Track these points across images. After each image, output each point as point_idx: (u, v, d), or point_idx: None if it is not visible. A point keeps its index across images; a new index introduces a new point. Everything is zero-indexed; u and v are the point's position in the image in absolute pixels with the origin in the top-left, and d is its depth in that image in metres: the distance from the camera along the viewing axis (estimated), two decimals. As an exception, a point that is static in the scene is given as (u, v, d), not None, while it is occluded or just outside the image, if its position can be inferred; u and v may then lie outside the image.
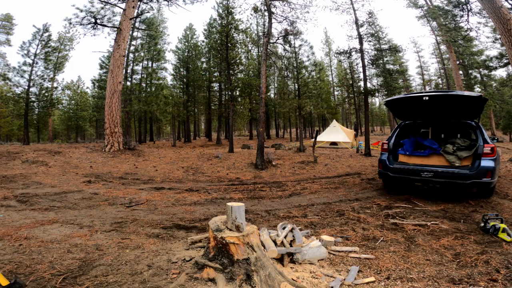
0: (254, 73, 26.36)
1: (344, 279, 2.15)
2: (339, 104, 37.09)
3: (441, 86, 36.17)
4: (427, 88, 37.19)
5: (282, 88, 30.27)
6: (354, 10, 13.82)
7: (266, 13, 13.26)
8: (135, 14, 14.32)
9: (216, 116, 27.43)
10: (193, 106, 29.81)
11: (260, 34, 29.72)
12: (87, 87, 42.16)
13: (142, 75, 25.63)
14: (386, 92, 23.77)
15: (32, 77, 22.29)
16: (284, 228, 2.75)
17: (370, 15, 14.52)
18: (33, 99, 22.93)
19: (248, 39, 20.92)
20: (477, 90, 24.74)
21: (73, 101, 33.89)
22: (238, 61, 21.70)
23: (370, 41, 16.41)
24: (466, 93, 4.27)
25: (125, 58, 18.17)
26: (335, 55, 16.64)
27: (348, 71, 29.74)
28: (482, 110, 4.75)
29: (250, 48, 25.24)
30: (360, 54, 13.90)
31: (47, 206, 4.50)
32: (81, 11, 13.58)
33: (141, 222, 3.69)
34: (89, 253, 2.59)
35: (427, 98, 4.54)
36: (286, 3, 11.47)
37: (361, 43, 13.68)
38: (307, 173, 8.39)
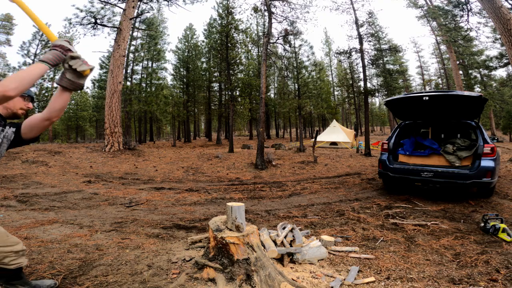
0: (254, 73, 26.37)
1: (344, 279, 2.15)
2: (339, 104, 37.08)
3: (441, 86, 36.18)
4: (427, 88, 37.20)
5: (282, 88, 30.32)
6: (354, 10, 13.83)
7: (266, 13, 13.26)
8: (135, 14, 14.32)
9: (216, 116, 27.44)
10: (193, 106, 29.82)
11: (260, 34, 29.73)
12: (87, 87, 42.11)
13: (142, 75, 25.65)
14: (386, 92, 23.79)
15: (32, 77, 22.28)
16: (284, 228, 2.75)
17: (370, 15, 14.53)
18: (33, 99, 22.95)
19: (248, 39, 20.91)
20: (477, 90, 24.74)
21: (73, 101, 33.89)
22: (238, 61, 21.72)
23: (370, 41, 16.42)
24: (466, 93, 4.27)
25: (125, 58, 18.16)
26: (335, 55, 16.64)
27: (348, 71, 29.76)
28: (482, 110, 4.75)
29: (250, 48, 25.24)
30: (360, 54, 13.90)
31: (47, 206, 4.50)
32: (81, 11, 13.59)
33: (141, 222, 3.69)
34: (89, 253, 2.59)
35: (427, 98, 4.54)
36: (286, 3, 11.48)
37: (361, 43, 13.69)
38: (307, 173, 8.39)
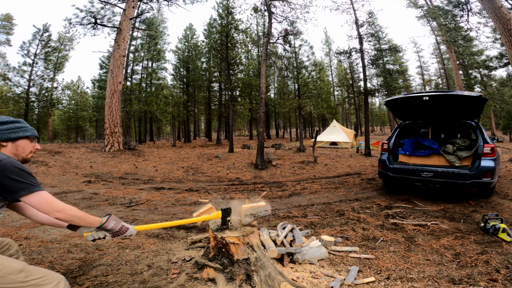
0: (254, 73, 26.36)
1: (344, 279, 2.15)
2: (339, 104, 37.07)
3: (441, 86, 36.17)
4: (427, 88, 37.19)
5: (282, 88, 30.33)
6: (354, 10, 13.83)
7: (266, 13, 13.26)
8: (135, 14, 14.32)
9: (216, 116, 27.44)
10: (193, 106, 29.82)
11: (260, 34, 29.72)
12: (87, 87, 42.16)
13: (142, 75, 25.64)
14: (386, 92, 23.79)
15: (32, 77, 22.30)
16: (284, 228, 2.74)
17: (370, 15, 14.53)
18: (33, 99, 22.95)
19: (248, 39, 20.91)
20: (477, 90, 24.74)
21: (73, 101, 33.91)
22: (238, 61, 21.71)
23: (370, 41, 16.42)
24: (466, 93, 4.26)
25: (125, 58, 18.16)
26: (335, 55, 16.64)
27: (348, 71, 29.76)
28: (482, 110, 4.74)
29: (250, 48, 25.25)
30: (360, 54, 13.90)
31: (47, 206, 4.49)
32: (81, 11, 13.58)
33: (141, 222, 3.69)
34: (89, 253, 2.59)
35: (427, 98, 4.53)
36: (286, 3, 11.48)
37: (361, 43, 13.69)
38: (307, 173, 8.39)
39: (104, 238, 1.50)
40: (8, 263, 1.27)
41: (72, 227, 1.52)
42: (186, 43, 28.63)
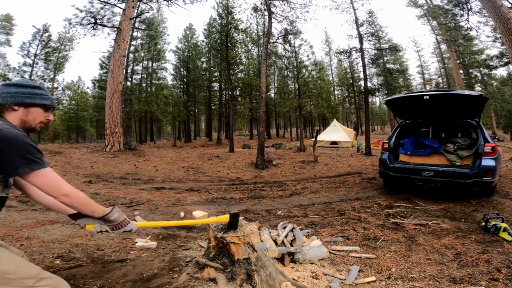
0: (254, 72, 26.34)
1: (344, 279, 2.15)
2: (339, 104, 37.03)
3: (441, 85, 36.11)
4: (428, 88, 37.14)
5: (282, 87, 30.32)
6: (354, 10, 13.81)
7: (266, 13, 13.24)
8: (135, 14, 14.32)
9: (217, 116, 27.46)
10: (193, 106, 29.83)
11: (260, 33, 29.70)
12: (87, 87, 42.03)
13: (142, 75, 25.63)
14: (386, 92, 23.72)
15: (32, 78, 22.32)
16: (284, 228, 2.74)
17: (370, 15, 14.50)
18: (34, 99, 22.94)
19: (248, 38, 20.93)
20: (478, 89, 24.69)
21: (73, 102, 33.91)
22: (238, 60, 21.72)
23: (370, 41, 16.42)
24: (467, 92, 4.26)
25: (125, 58, 18.14)
26: (335, 54, 16.64)
27: (348, 70, 29.75)
28: (482, 109, 4.73)
29: (250, 47, 25.27)
30: (360, 54, 13.88)
31: (48, 206, 4.49)
32: (81, 11, 13.59)
33: (141, 222, 3.68)
34: (90, 254, 2.60)
35: (427, 97, 4.52)
36: (286, 3, 11.47)
37: (361, 42, 13.67)
38: (308, 172, 8.39)
39: (107, 232, 1.38)
40: (24, 267, 1.20)
41: (74, 216, 1.38)
42: (186, 43, 28.64)
